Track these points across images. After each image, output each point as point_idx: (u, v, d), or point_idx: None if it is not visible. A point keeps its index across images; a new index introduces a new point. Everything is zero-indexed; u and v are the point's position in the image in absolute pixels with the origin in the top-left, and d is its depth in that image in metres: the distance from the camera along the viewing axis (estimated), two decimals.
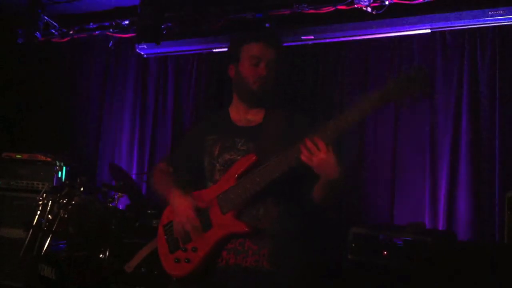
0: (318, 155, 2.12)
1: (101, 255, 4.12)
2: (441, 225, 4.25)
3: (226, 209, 2.33)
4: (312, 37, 4.92)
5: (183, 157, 2.70)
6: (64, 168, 5.29)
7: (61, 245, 4.53)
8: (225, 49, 5.17)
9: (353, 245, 3.72)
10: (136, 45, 5.65)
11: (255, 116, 2.53)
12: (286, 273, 2.31)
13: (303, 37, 4.93)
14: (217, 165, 2.47)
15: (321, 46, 4.98)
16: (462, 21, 4.29)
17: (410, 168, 4.49)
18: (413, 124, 4.52)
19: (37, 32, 5.67)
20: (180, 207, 2.43)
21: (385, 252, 3.61)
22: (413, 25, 4.45)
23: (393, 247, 3.61)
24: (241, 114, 2.56)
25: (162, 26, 5.23)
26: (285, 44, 4.85)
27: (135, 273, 3.78)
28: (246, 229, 2.28)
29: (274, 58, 2.48)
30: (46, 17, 5.74)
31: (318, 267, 2.54)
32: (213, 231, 2.35)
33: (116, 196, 4.49)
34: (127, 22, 5.71)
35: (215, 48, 5.43)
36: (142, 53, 5.73)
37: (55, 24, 5.88)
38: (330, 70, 4.92)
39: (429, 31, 4.45)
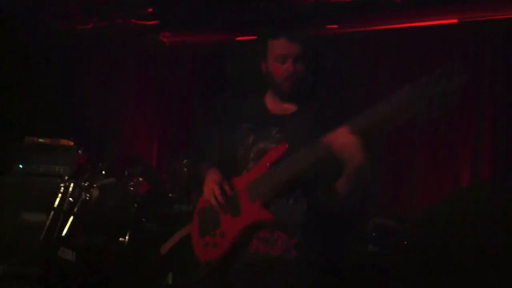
0: (340, 138, 2.09)
1: (120, 239, 4.13)
2: None
3: (254, 196, 2.32)
4: (336, 26, 4.89)
5: (213, 148, 2.68)
6: (84, 154, 5.30)
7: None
8: (248, 38, 5.25)
9: (373, 234, 3.71)
10: (160, 33, 5.66)
11: (289, 105, 2.50)
12: (312, 262, 2.30)
13: (327, 26, 4.91)
14: (251, 154, 2.45)
15: (346, 35, 4.95)
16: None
17: (432, 161, 4.44)
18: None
19: (62, 19, 5.71)
20: (210, 182, 2.42)
21: (405, 242, 3.60)
22: (440, 15, 4.40)
23: (413, 238, 3.59)
24: (277, 103, 2.52)
25: (185, 14, 5.24)
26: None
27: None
28: (270, 217, 2.27)
29: (301, 52, 2.39)
30: (71, 4, 5.76)
31: (341, 260, 2.49)
32: (241, 218, 2.34)
33: (136, 181, 4.50)
34: (150, 9, 5.71)
35: (238, 37, 5.41)
36: (165, 40, 5.73)
37: (79, 11, 5.90)
38: (355, 59, 4.89)
39: (456, 20, 4.40)
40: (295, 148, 2.24)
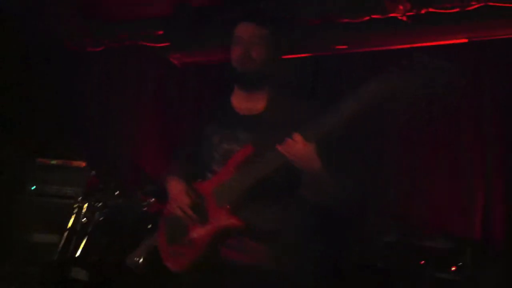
0: (294, 146, 2.04)
1: (135, 259, 4.13)
2: (477, 234, 4.17)
3: (221, 202, 2.23)
4: (345, 46, 4.90)
5: (186, 150, 2.64)
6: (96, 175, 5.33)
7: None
8: None
9: (384, 253, 3.70)
10: (170, 54, 5.70)
11: (256, 104, 2.41)
12: (286, 272, 2.21)
13: (336, 46, 4.92)
14: (216, 155, 2.37)
15: (354, 56, 4.96)
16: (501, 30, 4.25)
17: (444, 175, 4.43)
18: (449, 136, 4.47)
19: (72, 42, 5.78)
20: (173, 192, 2.36)
21: (422, 262, 3.57)
22: (450, 34, 4.41)
23: (427, 256, 3.57)
24: (242, 102, 2.45)
25: (196, 35, 5.28)
26: (317, 54, 4.89)
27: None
28: (238, 223, 2.18)
29: (257, 34, 2.35)
30: (82, 26, 5.83)
31: (320, 268, 2.42)
32: (209, 225, 2.24)
33: (148, 200, 4.51)
34: (161, 32, 5.76)
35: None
36: (176, 62, 5.77)
37: (90, 33, 5.97)
38: (363, 79, 4.89)
39: (466, 40, 4.41)
40: (260, 150, 2.19)
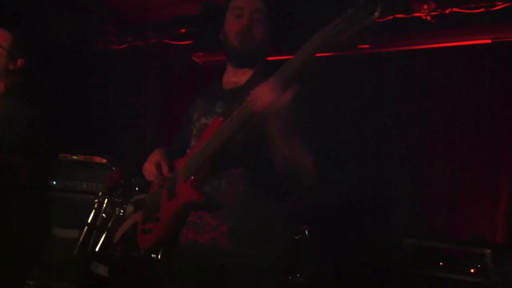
0: (266, 96, 1.80)
1: (153, 255, 4.14)
2: (498, 237, 4.13)
3: (186, 176, 2.09)
4: (368, 46, 4.87)
5: (179, 130, 2.53)
6: (117, 171, 5.37)
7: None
8: (280, 58, 5.27)
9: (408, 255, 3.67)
10: (192, 53, 5.73)
11: (241, 78, 2.27)
12: (245, 255, 2.06)
13: (359, 46, 4.88)
14: (194, 130, 2.28)
15: (378, 55, 4.93)
16: None
17: (469, 180, 4.38)
18: (474, 139, 4.42)
19: (98, 39, 5.84)
20: (148, 161, 2.27)
21: (441, 263, 3.54)
22: (474, 35, 4.37)
23: (450, 259, 3.53)
24: (230, 77, 2.32)
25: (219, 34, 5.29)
26: (340, 53, 4.87)
27: None
28: (199, 197, 2.02)
29: (260, 7, 2.21)
30: (106, 25, 5.89)
31: (284, 254, 2.19)
32: (174, 200, 2.12)
33: None
34: (183, 30, 5.79)
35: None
36: (198, 60, 5.80)
37: (115, 31, 6.02)
38: (387, 79, 4.86)
39: (490, 41, 4.36)
40: None
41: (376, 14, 1.65)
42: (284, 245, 2.19)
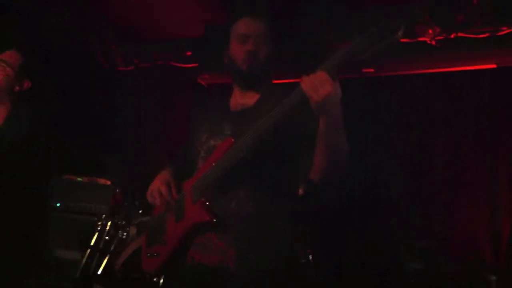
0: (325, 86, 1.79)
1: (155, 279, 4.12)
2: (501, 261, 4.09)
3: (196, 197, 2.11)
4: (372, 70, 4.87)
5: (182, 149, 2.55)
6: (121, 193, 5.36)
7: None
8: (286, 81, 5.28)
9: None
10: (198, 75, 5.75)
11: (248, 100, 2.29)
12: (252, 278, 2.03)
13: (363, 70, 4.90)
14: (202, 152, 2.26)
15: (382, 79, 4.94)
16: None
17: (471, 202, 4.35)
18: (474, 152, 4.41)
19: (104, 60, 5.88)
20: (153, 183, 2.27)
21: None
22: (479, 59, 4.37)
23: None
24: (237, 99, 2.34)
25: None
26: (345, 76, 4.87)
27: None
28: (208, 218, 2.03)
29: (263, 32, 2.25)
30: (113, 46, 5.93)
31: (292, 278, 2.24)
32: (183, 222, 2.13)
33: None
34: (189, 53, 5.82)
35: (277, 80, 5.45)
36: (203, 83, 5.82)
37: (121, 52, 6.06)
38: (390, 102, 4.86)
39: (495, 66, 4.36)
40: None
41: (399, 33, 1.68)
42: (291, 269, 2.18)
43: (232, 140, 2.07)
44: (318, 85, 1.81)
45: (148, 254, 2.25)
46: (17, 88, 2.94)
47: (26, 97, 3.03)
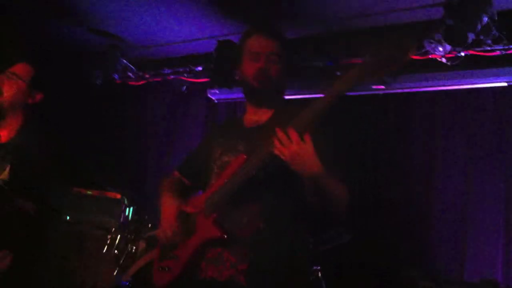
0: (290, 147, 1.87)
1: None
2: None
3: (208, 212, 2.14)
4: (383, 87, 4.87)
5: (191, 164, 2.60)
6: (131, 207, 5.36)
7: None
8: (296, 96, 5.30)
9: None
10: (208, 90, 5.77)
11: (262, 117, 2.34)
12: None
13: (373, 87, 4.89)
14: (215, 167, 2.31)
15: (392, 97, 4.94)
16: None
17: (482, 224, 4.31)
18: (486, 179, 4.37)
19: (115, 74, 5.92)
20: (165, 213, 2.31)
21: None
22: (489, 78, 4.36)
23: None
24: (251, 116, 2.39)
25: (235, 72, 5.32)
26: (355, 94, 4.88)
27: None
28: (219, 234, 2.06)
29: (275, 50, 2.30)
30: (124, 60, 5.97)
31: None
32: (195, 237, 2.16)
33: None
34: (200, 68, 5.85)
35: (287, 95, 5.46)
36: (213, 98, 5.84)
37: (132, 67, 6.10)
38: (400, 120, 4.85)
39: (505, 84, 4.35)
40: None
41: (410, 52, 1.72)
42: (301, 286, 2.18)
43: (245, 156, 2.10)
44: (284, 145, 1.88)
45: (160, 268, 2.27)
46: (30, 100, 2.97)
47: (39, 109, 3.06)
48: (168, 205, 2.34)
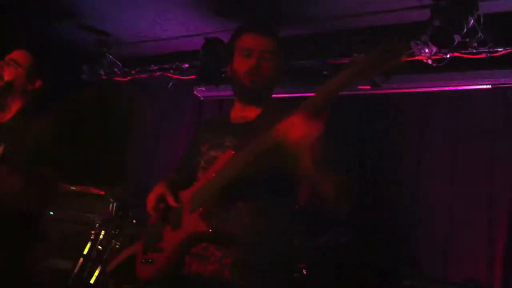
0: (292, 124, 1.80)
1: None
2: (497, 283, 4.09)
3: (194, 206, 2.11)
4: (369, 87, 4.88)
5: (183, 160, 2.59)
6: (115, 203, 5.34)
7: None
8: (286, 95, 5.30)
9: None
10: (194, 87, 5.76)
11: (249, 113, 2.32)
12: (248, 287, 2.04)
13: (360, 87, 4.91)
14: (202, 162, 2.30)
15: (378, 96, 4.96)
16: None
17: (466, 225, 4.35)
18: (471, 179, 4.41)
19: (101, 70, 5.89)
20: (151, 193, 2.31)
21: None
22: (474, 80, 4.41)
23: None
24: (238, 112, 2.37)
25: (222, 70, 5.32)
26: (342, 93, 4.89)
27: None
28: (204, 228, 2.03)
29: (268, 49, 2.27)
30: (110, 56, 5.95)
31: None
32: (180, 231, 2.14)
33: None
34: (187, 65, 5.84)
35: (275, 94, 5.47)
36: (200, 95, 5.83)
37: (119, 63, 6.08)
38: (386, 121, 4.88)
39: (489, 86, 4.39)
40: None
41: (403, 55, 1.69)
42: (285, 282, 2.18)
43: (233, 152, 2.09)
44: (294, 127, 1.81)
45: (143, 260, 2.25)
46: (29, 87, 2.99)
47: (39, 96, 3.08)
48: (155, 189, 2.33)
